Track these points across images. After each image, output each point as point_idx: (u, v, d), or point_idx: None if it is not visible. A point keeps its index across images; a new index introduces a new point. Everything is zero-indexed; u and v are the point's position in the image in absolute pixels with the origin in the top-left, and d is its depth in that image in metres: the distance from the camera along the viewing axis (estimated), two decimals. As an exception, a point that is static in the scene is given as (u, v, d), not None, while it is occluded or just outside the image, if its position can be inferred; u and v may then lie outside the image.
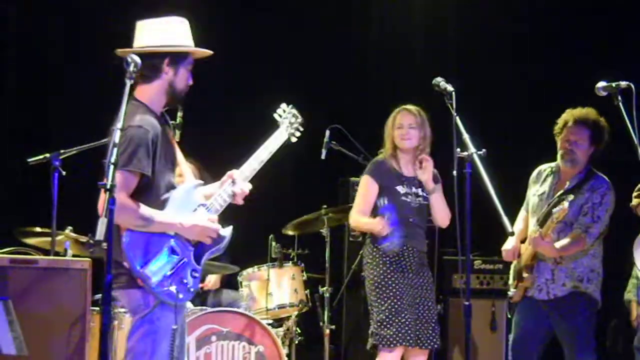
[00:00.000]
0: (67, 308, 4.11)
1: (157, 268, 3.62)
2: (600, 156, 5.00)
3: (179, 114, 4.85)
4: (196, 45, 3.88)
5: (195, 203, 3.82)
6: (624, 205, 5.03)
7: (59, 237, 5.27)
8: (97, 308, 4.72)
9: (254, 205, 4.06)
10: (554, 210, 4.65)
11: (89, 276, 4.16)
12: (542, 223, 4.85)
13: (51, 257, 4.86)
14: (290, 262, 6.04)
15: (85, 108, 6.61)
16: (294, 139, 4.14)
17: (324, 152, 6.08)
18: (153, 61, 3.73)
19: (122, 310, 4.99)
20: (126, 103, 3.40)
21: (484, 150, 4.04)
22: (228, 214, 3.93)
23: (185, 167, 3.98)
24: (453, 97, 4.20)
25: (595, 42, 6.85)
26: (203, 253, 3.79)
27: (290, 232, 6.16)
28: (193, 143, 4.70)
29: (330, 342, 6.13)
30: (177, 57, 3.79)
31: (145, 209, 3.61)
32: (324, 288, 6.05)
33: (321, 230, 6.12)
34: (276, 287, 5.85)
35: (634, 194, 5.05)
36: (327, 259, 6.08)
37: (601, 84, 4.36)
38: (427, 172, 5.15)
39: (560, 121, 5.03)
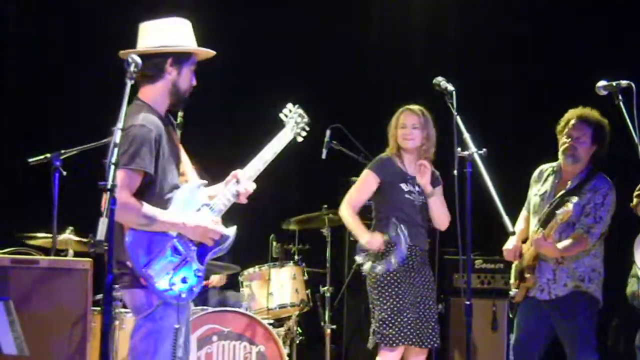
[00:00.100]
0: (68, 308, 4.11)
1: (160, 267, 3.63)
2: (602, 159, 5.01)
3: (180, 114, 4.86)
4: (198, 46, 3.89)
5: (199, 203, 3.82)
6: (624, 205, 5.03)
7: (60, 237, 5.27)
8: (98, 308, 4.72)
9: (254, 205, 4.06)
10: (558, 211, 4.64)
11: (89, 276, 4.16)
12: (544, 223, 4.85)
13: (52, 257, 4.87)
14: (291, 261, 6.04)
15: (85, 108, 6.62)
16: (299, 139, 4.16)
17: (324, 151, 6.09)
18: (156, 62, 3.75)
19: (123, 310, 4.99)
20: (130, 104, 3.41)
21: (484, 149, 4.04)
22: (228, 214, 3.93)
23: (189, 167, 3.99)
24: (454, 97, 4.20)
25: (595, 42, 6.84)
26: (206, 252, 3.79)
27: (292, 227, 6.17)
28: (193, 143, 4.70)
29: (331, 342, 6.14)
30: (180, 58, 3.80)
31: (148, 208, 3.62)
32: (325, 288, 6.06)
33: (322, 230, 6.12)
34: (277, 287, 5.85)
35: (635, 193, 5.05)
36: (327, 258, 6.08)
37: (602, 83, 4.36)
38: (425, 177, 5.16)
39: (562, 120, 5.04)
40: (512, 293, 5.08)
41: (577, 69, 6.62)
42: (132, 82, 3.46)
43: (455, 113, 4.15)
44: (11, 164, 6.37)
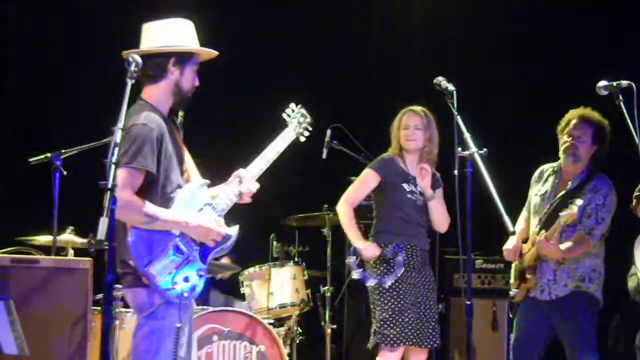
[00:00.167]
0: (68, 308, 4.10)
1: (163, 267, 3.63)
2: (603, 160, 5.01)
3: (180, 114, 4.85)
4: (200, 46, 3.89)
5: (202, 202, 3.82)
6: (625, 205, 5.02)
7: (60, 237, 5.27)
8: (99, 308, 4.72)
9: (254, 205, 4.07)
10: (562, 213, 4.63)
11: (90, 276, 4.15)
12: (545, 224, 4.85)
13: (52, 257, 4.86)
14: (292, 261, 6.04)
15: (86, 108, 6.61)
16: (302, 139, 4.17)
17: (325, 151, 6.09)
18: (159, 61, 3.76)
19: (124, 309, 4.99)
20: (133, 104, 3.40)
21: (485, 149, 4.04)
22: (229, 213, 3.93)
23: (192, 167, 3.99)
24: (454, 97, 4.20)
25: (595, 42, 6.84)
26: (209, 252, 3.80)
27: (292, 224, 6.17)
28: (195, 143, 4.70)
29: (331, 342, 6.14)
30: (182, 57, 3.81)
31: (150, 207, 3.62)
32: (325, 287, 6.06)
33: (322, 230, 6.12)
34: (277, 287, 5.85)
35: (635, 194, 5.05)
36: (328, 258, 6.08)
37: (602, 83, 4.36)
38: (425, 181, 5.16)
39: (563, 120, 5.04)
40: (512, 293, 5.09)
41: (577, 69, 6.61)
42: (133, 81, 3.46)
43: (456, 113, 4.15)
44: (11, 163, 6.37)
